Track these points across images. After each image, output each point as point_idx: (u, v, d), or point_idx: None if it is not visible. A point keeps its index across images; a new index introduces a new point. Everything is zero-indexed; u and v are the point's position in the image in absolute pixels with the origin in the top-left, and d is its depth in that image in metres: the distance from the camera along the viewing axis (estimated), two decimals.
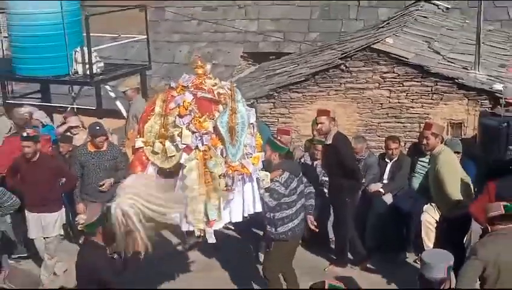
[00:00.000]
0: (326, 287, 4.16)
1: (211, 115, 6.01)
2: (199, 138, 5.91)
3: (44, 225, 7.55)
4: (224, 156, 6.00)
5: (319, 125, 7.58)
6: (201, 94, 6.04)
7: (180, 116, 5.94)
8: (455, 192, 6.80)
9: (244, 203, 6.24)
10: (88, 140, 7.96)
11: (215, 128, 5.97)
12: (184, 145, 5.91)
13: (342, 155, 7.47)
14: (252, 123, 6.35)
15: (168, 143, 5.97)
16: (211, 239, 6.12)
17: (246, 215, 6.33)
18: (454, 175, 6.86)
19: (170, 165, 6.01)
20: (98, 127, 7.84)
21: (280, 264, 6.82)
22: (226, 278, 7.78)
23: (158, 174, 6.11)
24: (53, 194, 7.55)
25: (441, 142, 7.11)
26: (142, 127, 6.16)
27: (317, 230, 7.11)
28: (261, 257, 8.02)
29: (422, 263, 4.79)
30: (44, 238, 7.62)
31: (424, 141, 7.05)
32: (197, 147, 5.93)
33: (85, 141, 8.48)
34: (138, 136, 6.19)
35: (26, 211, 7.55)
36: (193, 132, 5.92)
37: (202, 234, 6.13)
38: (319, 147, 8.10)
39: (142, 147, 6.10)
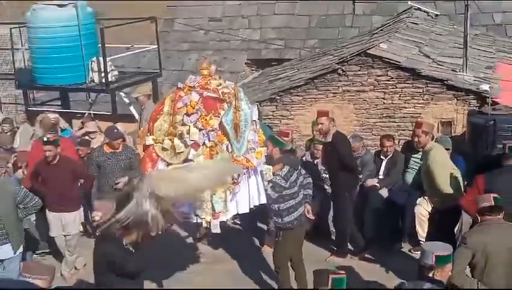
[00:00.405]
0: (329, 282, 4.16)
1: (216, 113, 6.02)
2: (206, 135, 5.92)
3: (65, 224, 7.53)
4: (230, 151, 6.01)
5: (320, 125, 7.56)
6: (207, 93, 6.05)
7: (188, 114, 5.96)
8: (445, 185, 6.77)
9: (249, 195, 6.24)
10: (105, 142, 7.95)
11: (221, 125, 5.98)
12: (192, 142, 5.92)
13: (341, 153, 7.47)
14: (254, 120, 6.35)
15: (176, 140, 5.99)
16: (216, 229, 6.14)
17: (252, 206, 6.33)
18: (443, 169, 6.82)
19: (179, 161, 6.02)
20: (115, 130, 7.86)
21: (288, 252, 6.78)
22: (233, 269, 7.75)
23: None
24: (72, 194, 7.55)
25: (431, 140, 7.07)
26: (152, 125, 6.18)
27: (313, 218, 7.07)
28: (265, 248, 8.03)
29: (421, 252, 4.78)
30: (65, 236, 7.63)
31: (416, 139, 7.02)
32: (204, 143, 5.93)
33: (102, 143, 8.48)
34: (148, 134, 6.21)
35: (47, 211, 7.52)
36: (200, 129, 5.94)
37: (209, 226, 6.14)
38: (319, 146, 8.09)
39: (152, 144, 6.12)
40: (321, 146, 7.95)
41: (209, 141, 5.96)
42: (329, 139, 7.52)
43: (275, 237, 7.04)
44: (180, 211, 5.65)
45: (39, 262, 7.00)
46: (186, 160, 6.00)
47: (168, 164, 6.07)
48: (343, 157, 7.48)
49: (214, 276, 7.51)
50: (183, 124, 6.00)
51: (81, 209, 7.79)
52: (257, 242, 8.38)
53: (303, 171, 6.89)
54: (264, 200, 6.40)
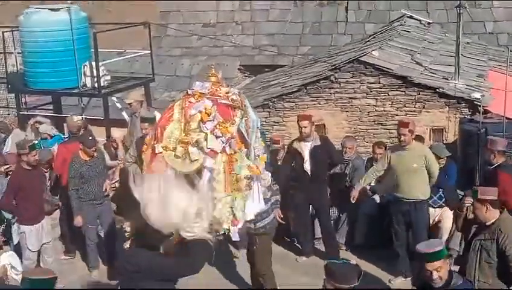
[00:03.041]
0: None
1: (232, 120, 5.95)
2: (227, 142, 5.81)
3: (46, 232, 7.52)
4: (249, 158, 5.98)
5: (303, 129, 7.74)
6: (221, 100, 5.98)
7: (203, 121, 5.77)
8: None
9: (253, 202, 6.20)
10: (80, 148, 7.83)
11: (239, 132, 5.92)
12: (208, 150, 5.74)
13: (333, 152, 7.97)
14: (258, 127, 6.32)
15: (191, 148, 5.75)
16: (235, 237, 5.95)
17: (255, 213, 6.29)
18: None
19: (191, 169, 5.77)
20: (90, 138, 7.88)
21: (270, 256, 6.79)
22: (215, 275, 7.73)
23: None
24: (44, 199, 7.65)
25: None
26: (161, 133, 5.89)
27: (283, 222, 7.22)
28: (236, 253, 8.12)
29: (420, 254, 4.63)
30: (44, 244, 7.56)
31: (402, 138, 7.19)
32: (224, 150, 5.77)
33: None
34: (155, 141, 5.96)
35: (26, 228, 7.41)
36: (217, 137, 5.76)
37: (226, 233, 6.05)
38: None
39: (161, 152, 5.86)
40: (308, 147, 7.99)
41: (230, 148, 5.85)
42: (317, 142, 7.78)
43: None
44: None
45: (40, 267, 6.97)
46: (200, 168, 5.77)
47: (178, 172, 5.80)
48: (335, 155, 7.94)
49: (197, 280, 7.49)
50: (200, 131, 5.77)
51: None
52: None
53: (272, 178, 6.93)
54: (262, 207, 6.36)
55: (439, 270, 4.43)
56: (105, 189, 7.83)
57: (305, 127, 7.71)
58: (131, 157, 8.52)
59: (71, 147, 8.12)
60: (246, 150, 5.93)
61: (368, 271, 7.64)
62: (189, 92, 6.06)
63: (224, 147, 5.78)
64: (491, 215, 5.31)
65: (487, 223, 5.31)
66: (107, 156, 8.39)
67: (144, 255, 4.85)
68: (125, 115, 11.11)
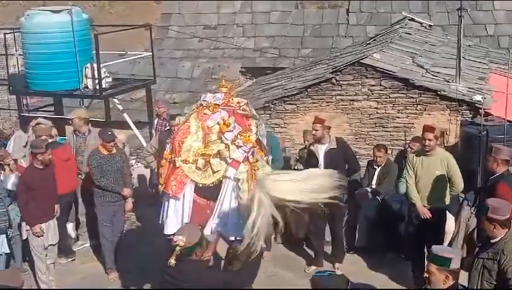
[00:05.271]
0: None
1: (249, 129, 5.97)
2: (249, 152, 5.83)
3: (53, 231, 7.49)
4: (268, 165, 5.99)
5: (314, 131, 7.69)
6: (238, 111, 5.97)
7: (222, 132, 5.84)
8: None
9: None
10: (100, 143, 7.91)
11: (257, 140, 5.95)
12: (231, 160, 5.81)
13: (349, 155, 7.82)
14: (265, 135, 6.35)
15: (212, 159, 5.84)
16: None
17: None
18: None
19: (212, 181, 5.87)
20: (109, 133, 7.89)
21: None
22: None
23: (195, 193, 5.91)
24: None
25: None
26: (179, 146, 5.96)
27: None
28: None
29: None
30: (49, 245, 7.52)
31: (427, 142, 7.08)
32: (248, 160, 5.82)
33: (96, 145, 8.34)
34: (173, 155, 6.01)
35: (40, 226, 7.33)
36: (238, 147, 5.82)
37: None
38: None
39: (181, 166, 5.93)
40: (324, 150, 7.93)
41: (253, 157, 5.84)
42: (333, 145, 7.67)
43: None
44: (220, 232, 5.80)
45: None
46: (221, 179, 5.85)
47: (197, 184, 5.89)
48: (351, 158, 7.80)
49: None
50: (221, 143, 5.85)
51: None
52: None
53: None
54: None
55: (430, 274, 4.34)
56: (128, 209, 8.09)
57: (316, 130, 7.62)
58: (151, 148, 8.83)
59: (59, 153, 8.03)
60: (266, 157, 5.97)
61: (370, 274, 7.70)
62: (203, 103, 6.08)
63: (246, 156, 5.81)
64: (498, 233, 5.06)
65: (492, 241, 5.09)
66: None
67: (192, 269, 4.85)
68: (126, 116, 11.13)
